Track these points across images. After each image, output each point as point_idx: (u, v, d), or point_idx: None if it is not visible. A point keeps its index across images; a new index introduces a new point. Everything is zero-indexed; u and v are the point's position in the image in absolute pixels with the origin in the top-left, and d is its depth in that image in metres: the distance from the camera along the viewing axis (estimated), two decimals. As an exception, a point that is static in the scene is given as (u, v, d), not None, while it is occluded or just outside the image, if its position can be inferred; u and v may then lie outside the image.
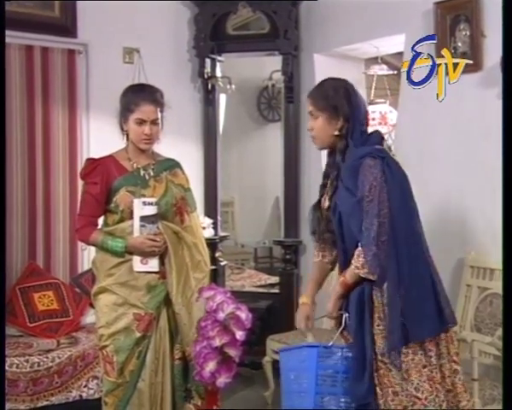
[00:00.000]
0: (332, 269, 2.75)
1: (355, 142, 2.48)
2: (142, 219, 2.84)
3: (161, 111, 2.97)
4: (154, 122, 2.91)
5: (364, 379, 2.38)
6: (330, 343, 2.47)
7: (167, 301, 2.92)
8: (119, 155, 2.96)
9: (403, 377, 2.36)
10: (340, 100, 2.50)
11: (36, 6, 4.34)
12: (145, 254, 2.85)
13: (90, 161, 3.00)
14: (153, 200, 2.86)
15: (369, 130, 2.62)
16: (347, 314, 2.49)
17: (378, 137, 2.56)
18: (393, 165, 2.43)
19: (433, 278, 2.45)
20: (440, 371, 2.41)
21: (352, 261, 2.42)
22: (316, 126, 2.54)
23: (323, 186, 2.64)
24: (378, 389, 2.38)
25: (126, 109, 2.90)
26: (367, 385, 2.38)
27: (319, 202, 2.64)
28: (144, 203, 2.84)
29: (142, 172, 2.95)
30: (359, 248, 2.39)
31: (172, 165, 3.08)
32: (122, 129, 2.95)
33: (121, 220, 2.89)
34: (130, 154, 2.95)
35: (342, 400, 2.42)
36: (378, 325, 2.39)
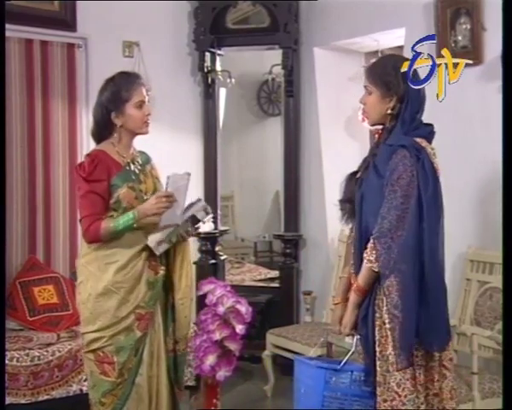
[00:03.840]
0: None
1: (403, 125, 2.40)
2: (193, 220, 2.84)
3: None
4: (148, 102, 2.88)
5: (367, 361, 2.39)
6: (339, 366, 2.41)
7: (160, 294, 2.89)
8: (109, 150, 2.85)
9: (387, 370, 2.33)
10: (395, 78, 2.39)
11: (36, 0, 4.33)
12: (155, 217, 2.77)
13: (90, 158, 2.84)
14: (209, 210, 2.88)
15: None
16: (358, 337, 2.43)
17: (428, 131, 2.47)
18: (428, 167, 2.34)
19: (446, 289, 2.40)
20: (430, 374, 2.38)
21: (365, 255, 2.34)
22: (368, 102, 2.45)
23: (365, 159, 2.54)
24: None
25: (118, 100, 2.80)
26: (369, 366, 2.38)
27: (356, 172, 2.56)
28: (205, 211, 2.85)
29: (132, 167, 2.88)
30: (370, 241, 2.32)
31: (149, 158, 3.01)
32: (111, 124, 2.83)
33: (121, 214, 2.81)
34: (119, 147, 2.86)
35: None
36: (375, 312, 2.36)
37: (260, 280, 5.48)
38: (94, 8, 4.51)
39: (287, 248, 4.94)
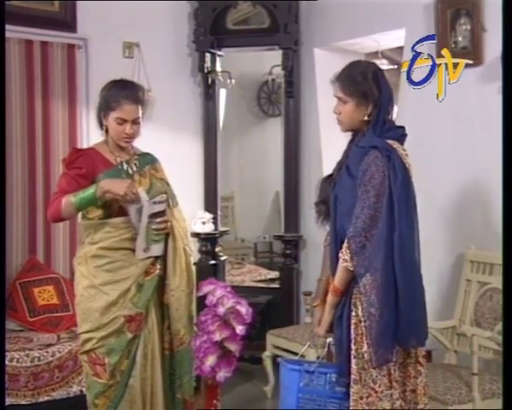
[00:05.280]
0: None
1: (375, 128, 2.44)
2: (151, 216, 2.80)
3: (143, 109, 2.89)
4: (135, 121, 2.83)
5: (340, 361, 2.42)
6: (312, 368, 2.46)
7: (155, 295, 2.90)
8: (101, 148, 2.89)
9: (363, 367, 2.36)
10: (369, 86, 2.43)
11: (36, 0, 4.33)
12: (118, 197, 2.75)
13: (75, 150, 2.98)
14: (163, 198, 2.83)
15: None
16: (331, 339, 2.48)
17: (400, 133, 2.50)
18: (399, 167, 2.37)
19: (423, 286, 2.44)
20: (406, 371, 2.42)
21: (340, 255, 2.38)
22: (344, 111, 2.47)
23: (339, 162, 2.58)
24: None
25: (107, 106, 2.83)
26: (342, 366, 2.41)
27: (331, 175, 2.60)
28: (155, 203, 2.80)
29: (125, 167, 2.90)
30: (345, 240, 2.36)
31: (153, 159, 3.03)
32: (101, 124, 2.90)
33: (108, 215, 2.84)
34: (112, 148, 2.89)
35: None
36: (351, 311, 2.38)
37: (260, 281, 5.48)
38: (94, 8, 4.51)
39: (287, 249, 4.94)
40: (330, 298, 2.45)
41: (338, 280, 2.41)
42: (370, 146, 2.39)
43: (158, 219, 2.81)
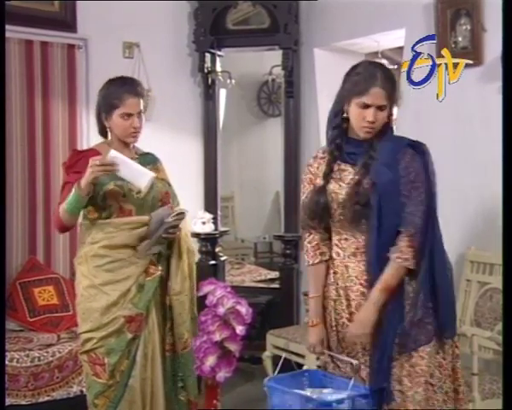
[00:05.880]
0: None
1: (392, 128, 2.49)
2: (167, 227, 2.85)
3: (144, 102, 2.91)
4: (139, 114, 2.86)
5: (381, 367, 2.34)
6: (346, 397, 2.24)
7: (156, 296, 2.91)
8: (102, 149, 2.89)
9: (415, 364, 2.34)
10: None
11: (36, 0, 4.33)
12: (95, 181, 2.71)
13: (75, 152, 2.98)
14: (183, 212, 2.86)
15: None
16: (357, 362, 2.35)
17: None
18: (432, 161, 2.43)
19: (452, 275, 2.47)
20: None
21: (398, 254, 2.30)
22: (380, 118, 2.39)
23: (330, 171, 2.46)
24: (406, 380, 2.33)
25: (109, 105, 2.83)
26: (383, 373, 2.34)
27: (324, 186, 2.46)
28: (172, 217, 2.83)
29: None
30: (403, 239, 2.30)
31: (154, 159, 3.04)
32: (103, 125, 2.89)
33: (109, 215, 2.84)
34: (113, 147, 2.87)
35: None
36: (403, 308, 2.35)
37: (260, 281, 5.48)
38: (94, 8, 4.52)
39: (287, 249, 4.94)
40: (379, 296, 2.32)
41: (391, 279, 2.31)
42: (405, 144, 2.41)
43: (171, 230, 2.84)
